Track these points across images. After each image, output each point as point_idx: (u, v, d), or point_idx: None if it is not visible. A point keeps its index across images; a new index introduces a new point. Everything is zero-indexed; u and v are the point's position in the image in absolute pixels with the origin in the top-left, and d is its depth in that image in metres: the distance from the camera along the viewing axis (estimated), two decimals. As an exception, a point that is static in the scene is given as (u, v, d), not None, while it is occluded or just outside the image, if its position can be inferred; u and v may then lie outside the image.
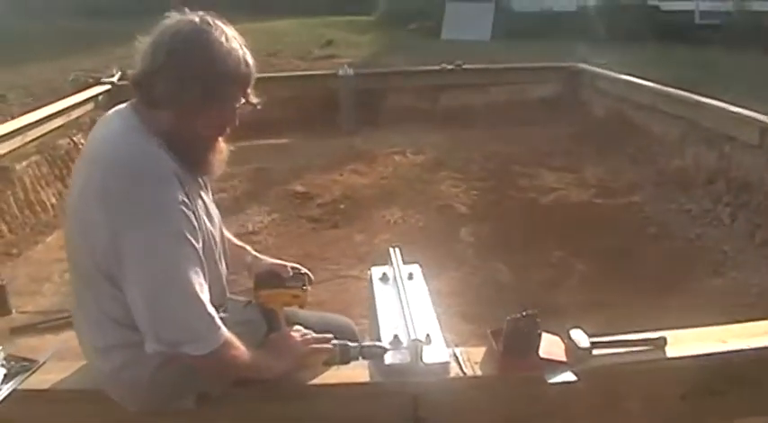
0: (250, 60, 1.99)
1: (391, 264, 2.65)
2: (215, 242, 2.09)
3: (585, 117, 8.55)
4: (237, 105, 2.01)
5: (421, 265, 2.72)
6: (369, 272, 2.73)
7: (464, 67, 9.21)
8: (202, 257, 1.92)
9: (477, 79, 9.27)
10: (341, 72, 8.96)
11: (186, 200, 1.91)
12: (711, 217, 5.58)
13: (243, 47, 1.98)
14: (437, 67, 9.27)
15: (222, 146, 2.11)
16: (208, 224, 2.05)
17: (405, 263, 2.70)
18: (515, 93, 9.13)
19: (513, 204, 6.21)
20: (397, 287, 2.44)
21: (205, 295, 1.89)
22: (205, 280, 1.91)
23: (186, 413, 2.09)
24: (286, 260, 4.85)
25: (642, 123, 7.52)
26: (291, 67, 10.88)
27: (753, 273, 4.65)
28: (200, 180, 2.13)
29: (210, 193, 2.24)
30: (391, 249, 2.74)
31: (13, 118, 6.91)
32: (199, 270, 1.89)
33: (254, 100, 2.04)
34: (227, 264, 2.24)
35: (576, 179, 6.77)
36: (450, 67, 9.19)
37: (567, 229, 5.56)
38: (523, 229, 5.63)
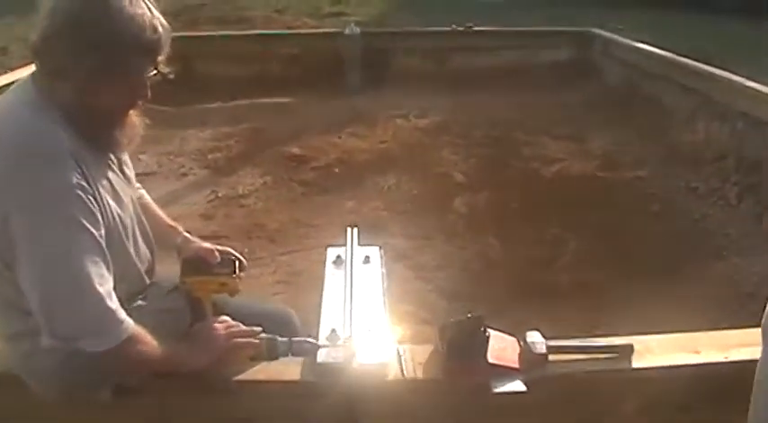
0: (160, 25, 1.77)
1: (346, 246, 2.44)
2: (123, 226, 1.88)
3: (597, 85, 8.23)
4: (146, 75, 1.80)
5: (381, 248, 2.52)
6: (325, 253, 2.52)
7: (474, 29, 8.89)
8: (103, 245, 1.73)
9: (488, 42, 8.93)
10: (347, 31, 8.66)
11: (84, 183, 1.71)
12: (718, 196, 5.31)
13: (152, 10, 1.76)
14: (447, 29, 8.95)
15: (134, 120, 1.90)
16: (113, 207, 1.84)
17: (363, 244, 2.50)
18: (526, 57, 8.78)
19: (512, 174, 5.96)
20: (346, 273, 2.23)
21: (105, 287, 1.69)
22: (108, 270, 1.72)
23: (102, 405, 1.91)
24: (269, 226, 4.64)
25: (654, 94, 7.22)
26: (300, 23, 10.62)
27: (755, 259, 4.39)
28: (110, 158, 1.92)
29: (126, 170, 2.03)
30: (348, 229, 2.53)
31: (11, 71, 6.71)
32: (98, 259, 1.70)
33: (165, 69, 1.83)
34: (150, 247, 2.04)
35: (581, 150, 6.50)
36: (460, 28, 8.87)
37: (567, 204, 5.31)
38: (521, 202, 5.39)
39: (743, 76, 5.89)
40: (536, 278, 4.35)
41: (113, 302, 1.70)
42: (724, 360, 1.90)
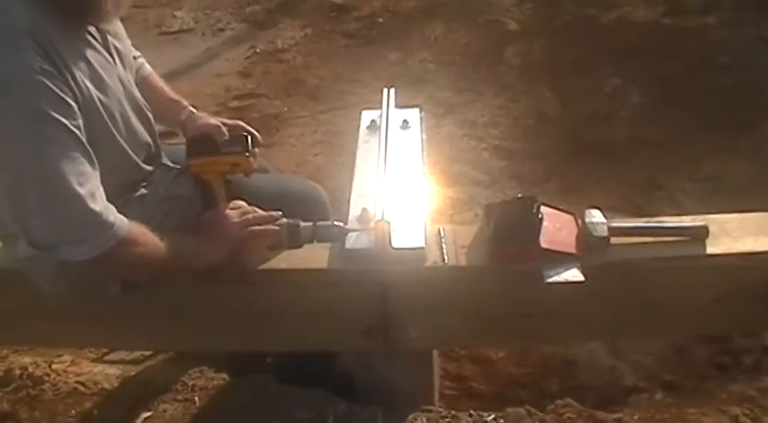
0: None
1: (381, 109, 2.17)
2: (109, 113, 1.63)
3: None
4: None
5: (421, 111, 2.25)
6: (360, 117, 2.26)
7: None
8: (82, 137, 1.49)
9: None
10: None
11: (48, 67, 1.45)
12: (793, 48, 4.86)
13: None
14: None
15: None
16: (93, 91, 1.58)
17: (400, 106, 2.22)
18: None
19: (569, 21, 5.49)
20: (380, 142, 1.97)
21: (87, 186, 1.46)
22: (91, 165, 1.49)
23: (112, 301, 1.73)
24: (310, 82, 4.30)
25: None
26: None
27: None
28: (90, 32, 1.65)
29: (117, 44, 1.75)
30: (384, 90, 2.25)
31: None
32: (76, 154, 1.46)
33: None
34: (150, 130, 1.81)
35: (646, -7, 6.01)
36: None
37: (627, 53, 4.91)
38: (578, 51, 5.00)
39: None
40: (593, 134, 4.10)
41: (98, 203, 1.48)
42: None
